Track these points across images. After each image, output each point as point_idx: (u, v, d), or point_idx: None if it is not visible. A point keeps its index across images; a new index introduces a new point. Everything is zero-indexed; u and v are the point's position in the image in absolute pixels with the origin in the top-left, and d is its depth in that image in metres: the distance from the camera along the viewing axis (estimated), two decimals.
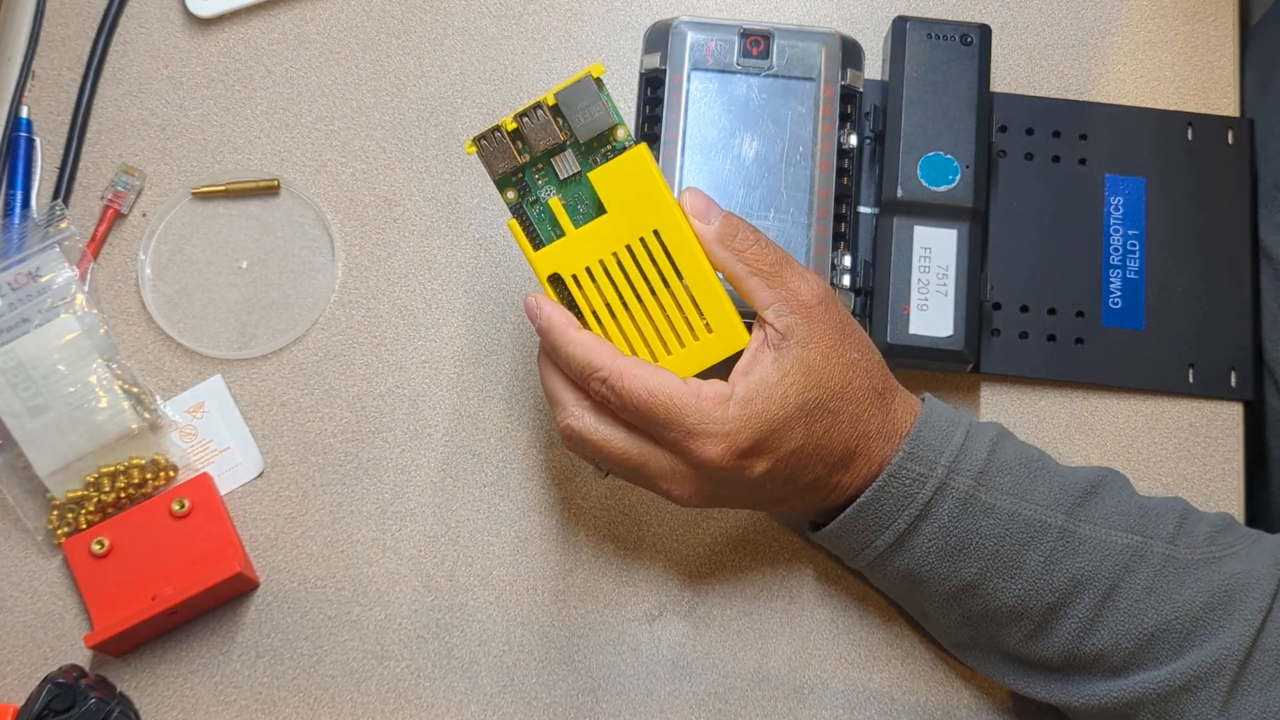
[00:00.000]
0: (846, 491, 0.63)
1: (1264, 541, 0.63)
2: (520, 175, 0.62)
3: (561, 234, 0.62)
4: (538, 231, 0.62)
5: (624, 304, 0.62)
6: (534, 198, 0.62)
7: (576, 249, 0.61)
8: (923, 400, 0.64)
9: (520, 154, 0.61)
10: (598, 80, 0.60)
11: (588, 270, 0.62)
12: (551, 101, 0.60)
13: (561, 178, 0.62)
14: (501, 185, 0.62)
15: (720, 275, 0.62)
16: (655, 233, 0.61)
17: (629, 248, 0.61)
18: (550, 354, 0.62)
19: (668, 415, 0.59)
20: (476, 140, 0.61)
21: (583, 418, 0.61)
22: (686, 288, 0.62)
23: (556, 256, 0.62)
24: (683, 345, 0.62)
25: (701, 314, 0.62)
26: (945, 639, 0.68)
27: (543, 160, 0.62)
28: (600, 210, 0.61)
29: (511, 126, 0.61)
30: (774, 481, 0.61)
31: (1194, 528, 0.63)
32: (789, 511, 0.67)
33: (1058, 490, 0.62)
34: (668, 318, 0.62)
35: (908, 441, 0.61)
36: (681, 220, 0.61)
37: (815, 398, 0.60)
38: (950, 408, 0.64)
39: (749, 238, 0.61)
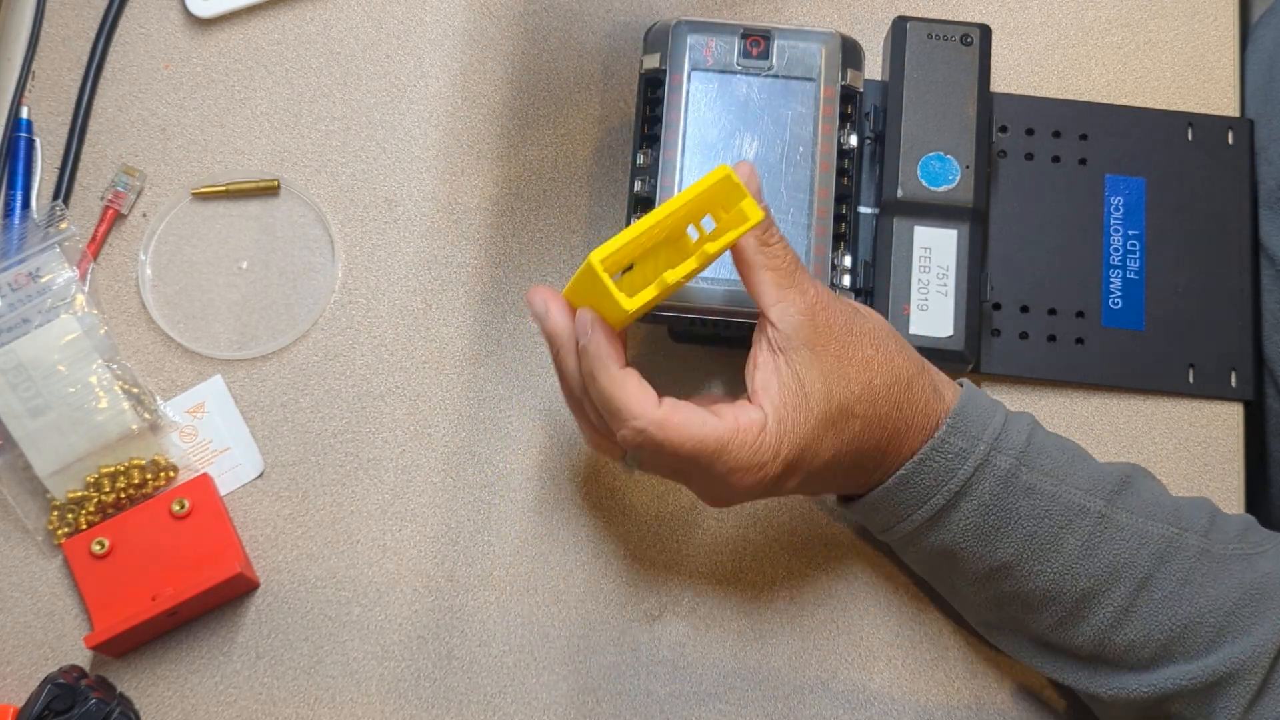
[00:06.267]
0: (886, 474, 0.62)
1: None
2: None
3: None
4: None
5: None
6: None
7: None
8: (960, 384, 0.64)
9: None
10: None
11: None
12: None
13: None
14: None
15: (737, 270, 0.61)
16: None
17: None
18: (585, 379, 0.60)
19: (712, 458, 0.58)
20: None
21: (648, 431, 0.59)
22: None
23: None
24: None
25: None
26: (974, 618, 0.67)
27: None
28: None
29: None
30: (807, 488, 0.62)
31: (1225, 525, 0.63)
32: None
33: (1095, 477, 0.62)
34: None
35: (951, 417, 0.61)
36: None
37: (839, 404, 0.59)
38: (987, 394, 0.64)
39: (776, 235, 0.61)
